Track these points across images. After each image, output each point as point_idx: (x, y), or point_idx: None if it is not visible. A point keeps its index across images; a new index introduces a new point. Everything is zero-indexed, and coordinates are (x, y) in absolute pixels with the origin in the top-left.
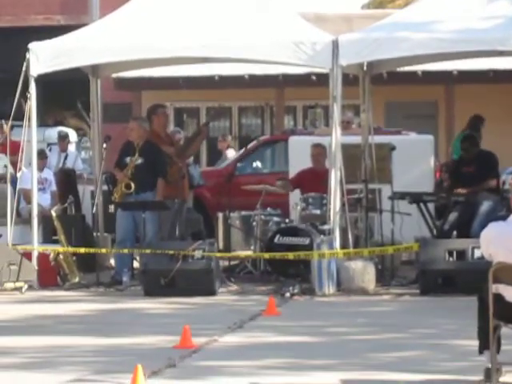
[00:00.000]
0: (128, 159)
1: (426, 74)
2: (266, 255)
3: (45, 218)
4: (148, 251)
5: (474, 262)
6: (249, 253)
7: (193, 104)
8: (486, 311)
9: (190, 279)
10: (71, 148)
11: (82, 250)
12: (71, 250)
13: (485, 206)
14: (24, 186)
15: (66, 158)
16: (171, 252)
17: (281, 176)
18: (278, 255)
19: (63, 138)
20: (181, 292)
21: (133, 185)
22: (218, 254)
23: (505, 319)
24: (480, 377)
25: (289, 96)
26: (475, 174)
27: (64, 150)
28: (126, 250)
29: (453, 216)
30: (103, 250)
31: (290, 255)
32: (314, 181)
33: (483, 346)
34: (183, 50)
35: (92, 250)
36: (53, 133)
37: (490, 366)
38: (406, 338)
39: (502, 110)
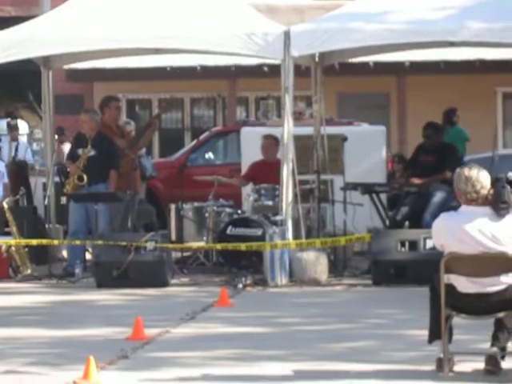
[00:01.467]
0: (80, 151)
1: (377, 64)
2: (219, 246)
3: None
4: (100, 243)
5: (426, 252)
6: (201, 244)
7: (145, 95)
8: (437, 301)
9: (143, 271)
10: (22, 139)
11: (34, 242)
12: (23, 241)
13: (437, 196)
14: None
15: (16, 148)
16: (123, 243)
17: (233, 170)
18: (230, 246)
19: (13, 128)
20: (133, 283)
21: (85, 177)
22: (171, 246)
23: (456, 309)
24: (432, 367)
25: (241, 87)
26: (433, 164)
27: (14, 139)
28: (78, 242)
29: (405, 207)
30: (55, 242)
31: (243, 246)
32: (266, 172)
33: (434, 336)
34: (135, 42)
35: (44, 242)
36: (4, 124)
37: (441, 355)
38: (357, 329)
39: (453, 101)
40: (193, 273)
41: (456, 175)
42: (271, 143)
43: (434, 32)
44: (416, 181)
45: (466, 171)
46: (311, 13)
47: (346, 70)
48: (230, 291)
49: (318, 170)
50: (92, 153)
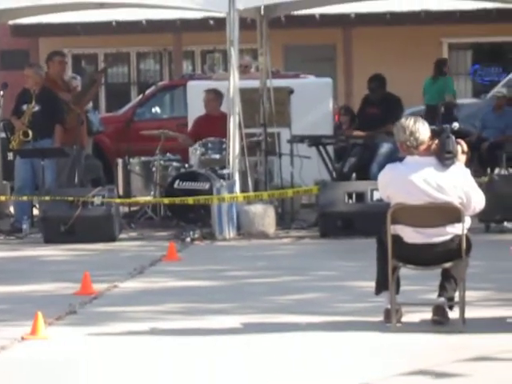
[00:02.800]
0: (25, 107)
1: (323, 17)
2: (166, 200)
3: None
4: (47, 198)
5: (373, 204)
6: (148, 198)
7: (90, 50)
8: (384, 252)
9: (90, 226)
10: None
11: None
12: None
13: (383, 147)
14: None
15: None
16: (70, 199)
17: (179, 124)
18: (177, 200)
19: None
20: (81, 239)
21: (31, 132)
22: (118, 200)
23: (403, 260)
24: (380, 318)
25: (187, 41)
26: (378, 116)
27: None
28: (25, 198)
29: (352, 159)
30: (2, 198)
31: (190, 200)
32: (210, 127)
33: (382, 287)
34: None
35: None
36: None
37: (389, 306)
38: (305, 281)
39: (398, 53)
40: (141, 227)
41: (395, 128)
42: (212, 97)
43: None
44: (359, 133)
45: (403, 121)
46: None
47: (292, 23)
48: (178, 245)
49: (264, 123)
50: (36, 108)
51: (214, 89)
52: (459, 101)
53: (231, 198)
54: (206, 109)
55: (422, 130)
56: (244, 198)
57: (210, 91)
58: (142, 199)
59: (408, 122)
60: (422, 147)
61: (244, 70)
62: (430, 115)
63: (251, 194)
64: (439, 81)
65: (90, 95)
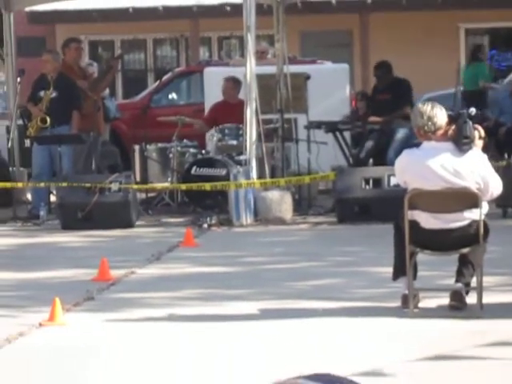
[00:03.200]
0: (42, 93)
1: (340, 3)
2: (183, 186)
3: None
4: (65, 184)
5: (390, 189)
6: (166, 184)
7: (107, 37)
8: (402, 238)
9: (107, 212)
10: None
11: (0, 184)
12: None
13: (400, 133)
14: None
15: None
16: (88, 185)
17: (196, 110)
18: (194, 186)
19: None
20: (98, 225)
21: (48, 119)
22: (135, 186)
23: (421, 245)
24: (397, 303)
25: (204, 27)
26: (390, 101)
27: None
28: (42, 184)
29: (368, 144)
30: (19, 184)
31: (207, 186)
32: (228, 113)
33: (399, 273)
34: None
35: (8, 185)
36: None
37: (407, 292)
38: (322, 267)
39: (415, 38)
40: (158, 213)
41: (412, 113)
42: (231, 86)
43: None
44: (376, 119)
45: (420, 106)
46: None
47: (309, 9)
48: (195, 231)
49: (281, 108)
50: (54, 94)
51: (233, 77)
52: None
53: (248, 184)
54: (225, 96)
55: (440, 115)
56: (261, 184)
57: (229, 79)
58: (159, 185)
59: (426, 108)
60: (440, 132)
61: (261, 56)
62: (466, 101)
63: (268, 180)
64: (474, 67)
65: (106, 81)
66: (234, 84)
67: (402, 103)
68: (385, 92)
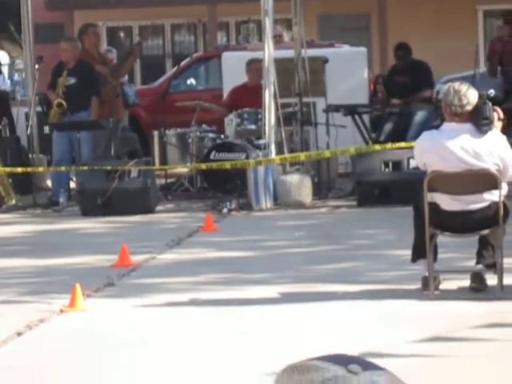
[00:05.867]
0: (60, 79)
1: None
2: (203, 166)
3: None
4: (85, 168)
5: (410, 172)
6: (187, 166)
7: (125, 23)
8: (421, 220)
9: (127, 198)
10: (4, 71)
11: (20, 170)
12: (8, 170)
13: (419, 115)
14: None
15: None
16: (109, 168)
17: (215, 95)
18: (215, 165)
19: None
20: (118, 211)
21: (64, 103)
22: (156, 167)
23: (440, 227)
24: (418, 285)
25: (221, 12)
26: (409, 83)
27: None
28: (63, 168)
29: (388, 127)
30: (40, 169)
31: (227, 164)
32: (247, 97)
33: (419, 255)
34: None
35: (29, 170)
36: None
37: (427, 274)
38: (343, 250)
39: (433, 21)
40: (177, 199)
41: (446, 87)
42: (258, 66)
43: None
44: (396, 101)
45: (457, 85)
46: None
47: None
48: (215, 216)
49: (299, 92)
50: (72, 81)
51: (259, 58)
52: None
53: (267, 160)
54: (250, 78)
55: (471, 100)
56: (281, 160)
57: (257, 60)
58: (179, 166)
59: (460, 87)
60: (464, 116)
61: (278, 40)
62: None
63: (288, 155)
64: None
65: (125, 68)
66: (260, 65)
67: (421, 86)
68: (404, 74)
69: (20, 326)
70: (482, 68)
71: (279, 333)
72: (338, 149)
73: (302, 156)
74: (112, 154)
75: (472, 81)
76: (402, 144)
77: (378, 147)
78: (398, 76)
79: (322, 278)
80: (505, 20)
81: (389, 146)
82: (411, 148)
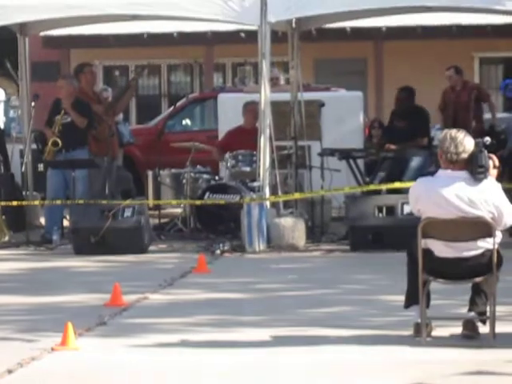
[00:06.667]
0: (57, 117)
1: (354, 30)
2: (198, 202)
3: None
4: (81, 202)
5: (404, 217)
6: (181, 201)
7: (122, 62)
8: (415, 266)
9: (120, 237)
10: None
11: (15, 203)
12: (2, 203)
13: (414, 161)
14: None
15: None
16: (104, 202)
17: (210, 136)
18: (209, 201)
19: None
20: (111, 250)
21: (60, 141)
22: (150, 202)
23: (434, 274)
24: (410, 332)
25: (218, 53)
26: (406, 129)
27: None
28: (58, 202)
29: (382, 172)
30: (36, 202)
31: (221, 201)
32: (242, 139)
33: (412, 301)
34: (112, 8)
35: (24, 203)
36: None
37: (419, 320)
38: (335, 294)
39: (429, 66)
40: (171, 239)
41: (442, 134)
42: (255, 109)
43: None
44: (391, 146)
45: (453, 132)
46: None
47: (323, 36)
48: (208, 257)
49: (295, 135)
50: (69, 119)
51: (254, 101)
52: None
53: (261, 198)
54: (246, 120)
55: (467, 148)
56: (275, 198)
57: (252, 103)
58: (173, 201)
59: (457, 135)
60: (459, 165)
61: (275, 83)
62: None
63: (282, 196)
64: None
65: (122, 104)
66: (256, 108)
67: (418, 133)
68: (402, 120)
69: (11, 363)
70: None
71: (269, 376)
72: (332, 188)
73: (297, 195)
74: (106, 192)
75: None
76: (397, 184)
77: (372, 187)
78: (397, 121)
79: (313, 321)
80: (456, 69)
81: (384, 186)
82: (406, 190)
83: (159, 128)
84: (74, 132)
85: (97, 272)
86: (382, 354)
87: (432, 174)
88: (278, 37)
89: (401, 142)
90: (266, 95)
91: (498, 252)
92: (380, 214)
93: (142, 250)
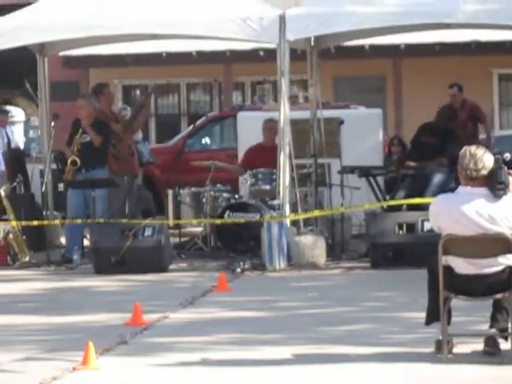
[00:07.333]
0: (76, 137)
1: (373, 48)
2: (218, 221)
3: None
4: (101, 221)
5: (424, 234)
6: (201, 220)
7: (141, 81)
8: (436, 283)
9: (141, 256)
10: (18, 128)
11: (35, 223)
12: (23, 223)
13: (436, 178)
14: None
15: (7, 134)
16: (124, 220)
17: (230, 155)
18: (229, 221)
19: (3, 113)
20: (131, 269)
21: (78, 160)
22: (170, 221)
23: (455, 291)
24: (431, 349)
25: (237, 72)
26: (434, 147)
27: (3, 125)
28: (79, 221)
29: (402, 189)
30: (56, 222)
31: (242, 220)
32: (262, 157)
33: (433, 318)
34: (131, 27)
35: (45, 223)
36: None
37: (441, 337)
38: (356, 312)
39: (448, 83)
40: (191, 258)
41: (462, 151)
42: (274, 126)
43: (429, 14)
44: (411, 164)
45: (473, 149)
46: None
47: (342, 54)
48: (229, 276)
49: (314, 153)
50: (88, 138)
51: (274, 118)
52: (506, 132)
53: (281, 216)
54: (265, 137)
55: (487, 165)
56: (295, 217)
57: (272, 120)
58: (194, 221)
59: (477, 151)
60: (479, 181)
61: (294, 101)
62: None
63: (302, 214)
64: None
65: (139, 121)
66: (275, 125)
67: (445, 152)
68: (433, 136)
69: (33, 383)
70: (498, 131)
71: None
72: (352, 205)
73: (317, 212)
74: (127, 212)
75: (487, 144)
76: (417, 199)
77: (392, 202)
78: (427, 136)
79: (334, 339)
80: (458, 87)
81: (404, 201)
82: (426, 207)
83: (179, 147)
84: (93, 151)
85: (117, 291)
86: (404, 371)
87: (453, 190)
88: (297, 55)
89: (426, 158)
90: (285, 113)
91: None
92: (400, 231)
93: (163, 269)
